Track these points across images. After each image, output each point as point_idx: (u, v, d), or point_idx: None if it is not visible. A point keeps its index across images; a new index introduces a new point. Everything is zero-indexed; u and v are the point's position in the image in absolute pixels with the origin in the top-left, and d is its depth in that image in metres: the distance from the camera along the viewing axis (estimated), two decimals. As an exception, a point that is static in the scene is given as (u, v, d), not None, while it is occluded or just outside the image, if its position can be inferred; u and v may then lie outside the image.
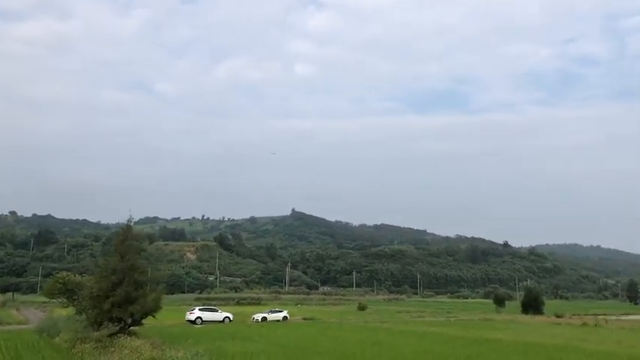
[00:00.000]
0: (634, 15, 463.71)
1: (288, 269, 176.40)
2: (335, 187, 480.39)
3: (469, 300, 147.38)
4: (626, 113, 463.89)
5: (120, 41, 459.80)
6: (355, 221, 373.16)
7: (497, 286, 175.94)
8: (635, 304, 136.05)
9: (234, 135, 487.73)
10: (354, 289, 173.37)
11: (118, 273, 30.00)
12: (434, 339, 35.28)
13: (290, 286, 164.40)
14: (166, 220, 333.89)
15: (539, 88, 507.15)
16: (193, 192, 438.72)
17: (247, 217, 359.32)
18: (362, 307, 74.27)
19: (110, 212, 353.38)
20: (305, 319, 56.77)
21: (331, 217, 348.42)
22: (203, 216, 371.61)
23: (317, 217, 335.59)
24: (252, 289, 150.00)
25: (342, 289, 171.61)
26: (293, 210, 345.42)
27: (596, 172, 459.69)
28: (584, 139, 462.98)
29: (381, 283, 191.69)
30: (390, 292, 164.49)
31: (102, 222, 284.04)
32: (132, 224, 33.25)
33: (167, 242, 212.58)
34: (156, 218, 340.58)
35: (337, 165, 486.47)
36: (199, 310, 54.28)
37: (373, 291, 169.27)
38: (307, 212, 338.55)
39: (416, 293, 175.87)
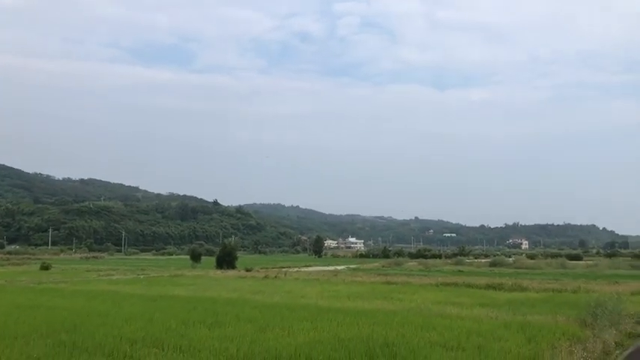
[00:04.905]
0: (345, 1, 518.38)
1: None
2: (36, 136, 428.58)
3: (173, 257, 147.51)
4: (332, 89, 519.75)
5: None
6: (58, 174, 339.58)
7: (202, 242, 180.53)
8: (319, 256, 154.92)
9: None
10: (49, 247, 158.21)
11: None
12: (106, 298, 32.72)
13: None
14: None
15: (262, 56, 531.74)
16: None
17: None
18: (45, 267, 66.63)
19: None
20: (-37, 282, 48.02)
21: (29, 169, 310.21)
22: None
23: (10, 168, 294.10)
24: None
25: (34, 247, 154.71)
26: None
27: (304, 141, 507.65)
28: (297, 109, 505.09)
29: (81, 240, 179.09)
30: (91, 251, 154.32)
31: None
32: None
33: None
34: None
35: (41, 112, 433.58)
36: None
37: (72, 249, 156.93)
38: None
39: (120, 251, 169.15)
